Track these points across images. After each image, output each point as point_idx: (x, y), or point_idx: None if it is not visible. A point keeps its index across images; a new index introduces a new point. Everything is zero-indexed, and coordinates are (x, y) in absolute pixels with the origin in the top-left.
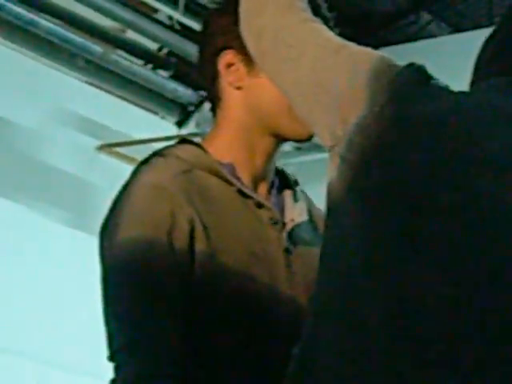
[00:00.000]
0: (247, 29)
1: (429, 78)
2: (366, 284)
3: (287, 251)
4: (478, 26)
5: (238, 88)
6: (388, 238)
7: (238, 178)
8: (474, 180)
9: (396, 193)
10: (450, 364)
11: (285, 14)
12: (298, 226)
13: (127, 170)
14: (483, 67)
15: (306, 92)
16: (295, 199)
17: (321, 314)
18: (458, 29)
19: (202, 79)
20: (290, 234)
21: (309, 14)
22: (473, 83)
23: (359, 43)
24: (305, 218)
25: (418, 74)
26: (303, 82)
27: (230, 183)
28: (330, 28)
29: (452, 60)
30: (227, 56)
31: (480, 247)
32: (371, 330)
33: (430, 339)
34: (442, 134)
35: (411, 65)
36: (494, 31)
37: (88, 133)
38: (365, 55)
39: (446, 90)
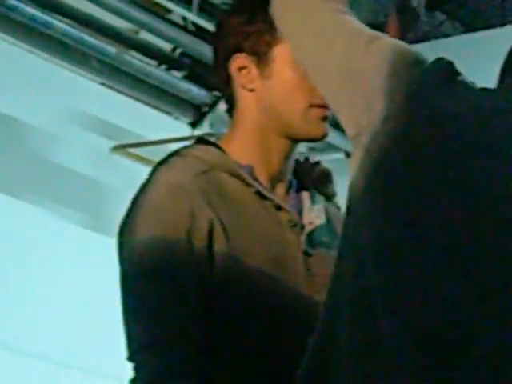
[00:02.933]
0: (280, 15)
1: (456, 74)
2: (375, 278)
3: (306, 254)
4: (491, 26)
5: (251, 90)
6: (397, 233)
7: (257, 180)
8: (488, 179)
9: (413, 190)
10: (459, 353)
11: (318, 4)
12: (316, 228)
13: (141, 170)
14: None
15: (335, 79)
16: (313, 201)
17: (333, 308)
18: (471, 28)
19: (218, 81)
20: (309, 237)
21: (342, 5)
22: (501, 77)
23: None
24: (323, 220)
25: (444, 71)
26: (333, 69)
27: (249, 184)
28: None
29: (465, 59)
30: (238, 60)
31: (490, 247)
32: (379, 327)
33: (438, 333)
34: (461, 134)
35: (439, 60)
36: None
37: (102, 134)
38: (394, 48)
39: (470, 87)
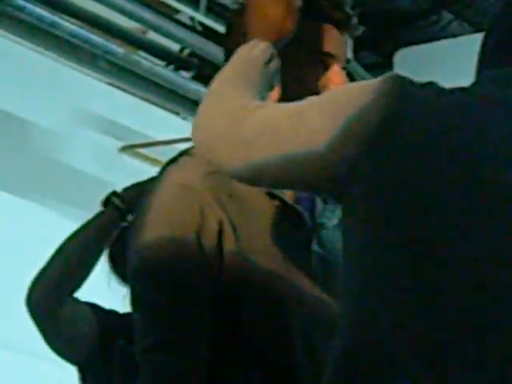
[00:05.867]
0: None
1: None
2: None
3: (316, 254)
4: None
5: None
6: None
7: None
8: (479, 174)
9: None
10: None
11: (245, 113)
12: (327, 229)
13: (149, 171)
14: (486, 57)
15: (296, 160)
16: (325, 201)
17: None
18: (479, 28)
19: None
20: (320, 237)
21: (254, 98)
22: (478, 73)
23: (380, 44)
24: (334, 221)
25: (403, 80)
26: (291, 153)
27: None
28: (355, 25)
29: (473, 59)
30: None
31: (492, 246)
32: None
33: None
34: (445, 133)
35: (390, 75)
36: (496, 20)
37: (110, 134)
38: (333, 97)
39: (440, 89)
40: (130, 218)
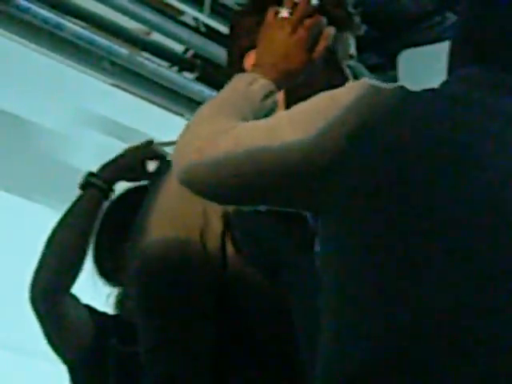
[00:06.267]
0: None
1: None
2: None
3: (317, 255)
4: None
5: None
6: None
7: None
8: (458, 176)
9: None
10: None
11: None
12: None
13: None
14: (455, 54)
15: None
16: None
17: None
18: None
19: None
20: None
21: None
22: (449, 70)
23: (384, 45)
24: None
25: (371, 87)
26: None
27: None
28: (358, 25)
29: None
30: (253, 55)
31: (482, 245)
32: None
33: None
34: (417, 136)
35: (358, 83)
36: (461, 19)
37: (113, 135)
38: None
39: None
40: (112, 195)
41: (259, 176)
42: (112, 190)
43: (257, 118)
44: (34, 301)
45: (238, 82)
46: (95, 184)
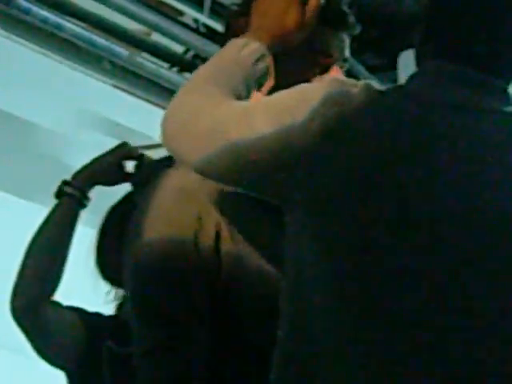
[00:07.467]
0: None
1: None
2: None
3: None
4: None
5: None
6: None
7: None
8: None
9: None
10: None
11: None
12: None
13: None
14: (419, 48)
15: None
16: None
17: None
18: None
19: None
20: None
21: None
22: (417, 63)
23: (384, 45)
24: None
25: (342, 86)
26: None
27: None
28: (352, 24)
29: None
30: None
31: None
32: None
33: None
34: (384, 136)
35: (330, 81)
36: (428, 10)
37: (113, 136)
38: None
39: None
40: (87, 201)
41: (230, 159)
42: (86, 198)
43: (249, 82)
44: (17, 317)
45: (230, 47)
46: (68, 192)
